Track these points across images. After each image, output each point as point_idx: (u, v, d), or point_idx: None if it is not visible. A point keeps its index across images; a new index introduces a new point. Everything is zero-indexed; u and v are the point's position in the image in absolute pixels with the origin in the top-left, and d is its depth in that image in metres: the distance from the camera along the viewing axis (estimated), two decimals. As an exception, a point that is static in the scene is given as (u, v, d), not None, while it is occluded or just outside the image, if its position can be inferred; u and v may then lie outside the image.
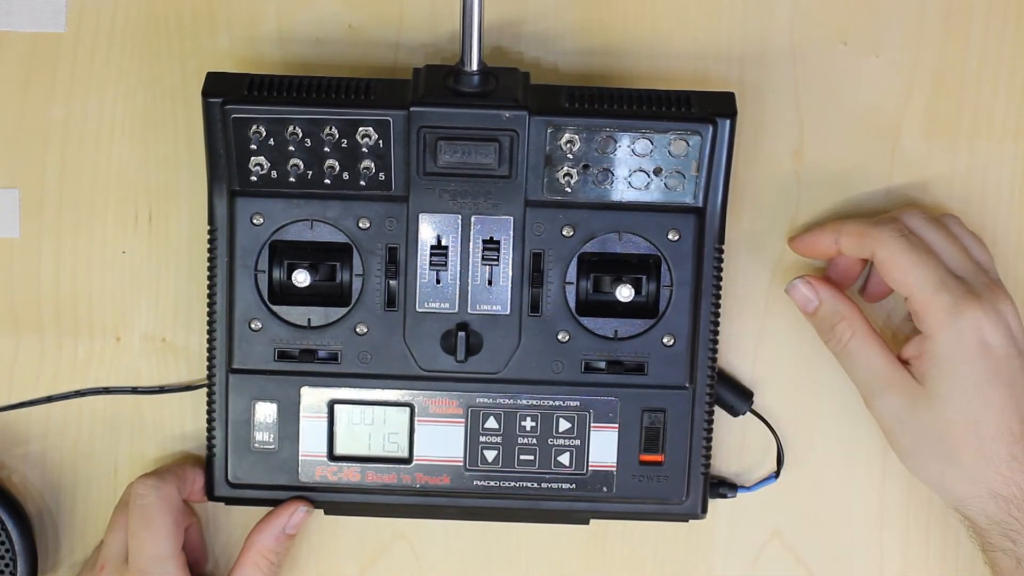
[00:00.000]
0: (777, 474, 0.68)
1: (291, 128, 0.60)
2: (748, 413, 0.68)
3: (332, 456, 0.65)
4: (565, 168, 0.62)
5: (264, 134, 0.60)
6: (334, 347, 0.64)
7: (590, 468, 0.65)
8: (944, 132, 0.68)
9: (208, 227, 0.63)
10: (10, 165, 0.67)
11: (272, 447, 0.64)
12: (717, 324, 0.64)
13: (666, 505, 0.65)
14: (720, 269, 0.64)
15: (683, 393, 0.64)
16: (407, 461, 0.65)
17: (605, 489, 0.65)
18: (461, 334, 0.63)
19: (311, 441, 0.64)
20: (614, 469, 0.65)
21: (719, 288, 0.64)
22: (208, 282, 0.64)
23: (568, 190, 0.62)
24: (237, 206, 0.62)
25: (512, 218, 0.63)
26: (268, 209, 0.63)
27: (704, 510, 0.65)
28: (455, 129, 0.61)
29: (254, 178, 0.62)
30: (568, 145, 0.61)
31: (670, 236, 0.63)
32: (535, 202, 0.62)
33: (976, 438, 0.60)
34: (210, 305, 0.64)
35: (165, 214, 0.67)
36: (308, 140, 0.61)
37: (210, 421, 0.65)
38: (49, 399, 0.67)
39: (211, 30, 0.66)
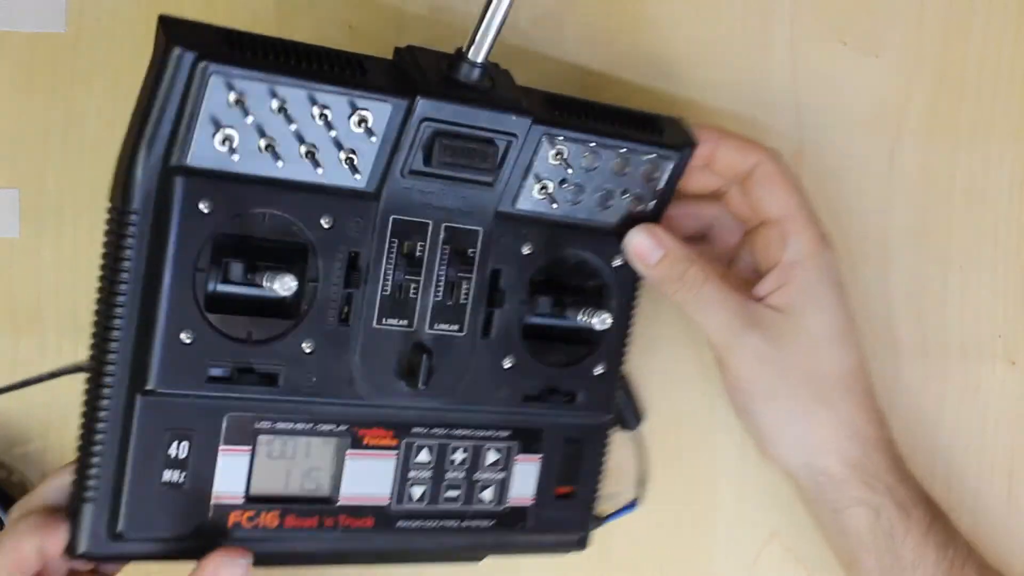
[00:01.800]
0: (636, 502, 0.68)
1: (278, 101, 0.51)
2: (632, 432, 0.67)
3: (249, 497, 0.55)
4: (543, 181, 0.58)
5: (244, 103, 0.50)
6: (274, 367, 0.54)
7: (508, 503, 0.61)
8: (944, 132, 0.68)
9: (118, 206, 0.51)
10: (10, 165, 0.67)
11: (181, 487, 0.53)
12: (626, 354, 0.63)
13: (564, 535, 0.63)
14: (637, 299, 0.62)
15: (599, 423, 0.63)
16: (330, 501, 0.57)
17: (520, 524, 0.61)
18: (424, 358, 0.56)
19: (228, 480, 0.54)
20: (531, 503, 0.62)
21: (633, 318, 0.63)
22: (109, 279, 0.52)
23: (538, 205, 0.58)
24: (179, 186, 0.50)
25: (481, 230, 0.57)
26: (218, 194, 0.51)
27: (587, 542, 0.64)
28: (458, 127, 0.54)
29: (209, 155, 0.51)
30: (557, 157, 0.57)
31: (615, 262, 0.61)
32: (503, 214, 0.58)
33: (841, 369, 0.59)
34: (108, 309, 0.51)
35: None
36: (294, 117, 0.52)
37: (89, 457, 0.52)
38: (24, 383, 0.65)
39: (211, 30, 0.66)
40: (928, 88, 0.67)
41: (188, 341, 0.51)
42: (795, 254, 0.59)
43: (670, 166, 0.60)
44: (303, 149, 0.52)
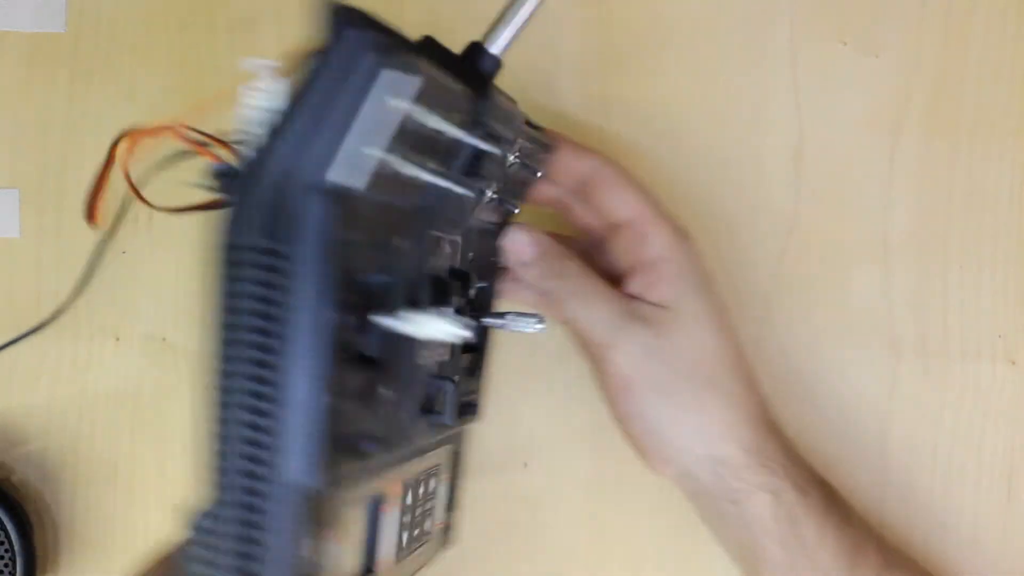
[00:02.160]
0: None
1: (433, 110, 0.42)
2: None
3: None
4: (496, 184, 0.52)
5: (413, 111, 0.41)
6: (375, 424, 0.43)
7: (436, 528, 0.56)
8: (944, 132, 0.68)
9: (271, 248, 0.38)
10: (10, 165, 0.67)
11: None
12: None
13: (446, 547, 0.59)
14: None
15: (465, 430, 0.59)
16: (371, 572, 0.46)
17: (439, 549, 0.57)
18: (452, 387, 0.49)
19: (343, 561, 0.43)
20: (446, 526, 0.57)
21: None
22: (251, 344, 0.38)
23: (485, 210, 0.53)
24: (321, 209, 0.38)
25: (459, 239, 0.52)
26: (359, 220, 0.40)
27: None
28: (495, 127, 0.48)
29: (356, 170, 0.39)
30: (514, 159, 0.53)
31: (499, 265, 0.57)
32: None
33: (724, 354, 0.58)
34: (251, 384, 0.38)
35: (165, 214, 0.67)
36: (438, 127, 0.43)
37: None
38: None
39: (210, 30, 0.66)
40: (928, 88, 0.67)
41: (344, 411, 0.39)
42: (658, 249, 0.58)
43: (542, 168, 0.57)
44: (439, 162, 0.43)
